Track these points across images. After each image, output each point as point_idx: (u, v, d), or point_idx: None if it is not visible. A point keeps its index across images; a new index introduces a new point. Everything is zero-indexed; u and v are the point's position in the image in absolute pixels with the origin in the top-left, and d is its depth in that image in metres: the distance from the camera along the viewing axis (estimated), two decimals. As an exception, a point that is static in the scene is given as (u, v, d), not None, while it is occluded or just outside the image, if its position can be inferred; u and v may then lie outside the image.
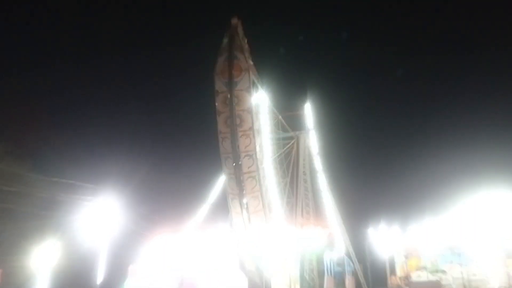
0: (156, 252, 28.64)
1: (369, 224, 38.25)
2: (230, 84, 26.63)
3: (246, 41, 28.21)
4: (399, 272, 35.89)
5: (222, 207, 31.86)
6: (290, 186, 41.01)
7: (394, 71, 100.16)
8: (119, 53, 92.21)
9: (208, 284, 25.98)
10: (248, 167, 27.36)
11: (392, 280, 35.61)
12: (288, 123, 41.75)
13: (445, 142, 79.25)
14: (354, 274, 42.76)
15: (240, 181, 27.34)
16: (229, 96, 26.70)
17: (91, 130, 69.79)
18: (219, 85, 27.03)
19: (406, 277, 33.76)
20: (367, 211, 47.70)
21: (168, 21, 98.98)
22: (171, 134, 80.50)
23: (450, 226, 32.68)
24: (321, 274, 35.32)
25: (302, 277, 32.05)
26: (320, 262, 35.72)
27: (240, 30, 27.84)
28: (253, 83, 28.33)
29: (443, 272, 32.33)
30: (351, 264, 42.30)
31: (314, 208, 44.72)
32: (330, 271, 36.10)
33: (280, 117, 38.81)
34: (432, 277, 31.58)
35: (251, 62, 27.91)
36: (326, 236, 33.24)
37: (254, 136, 27.42)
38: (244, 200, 27.84)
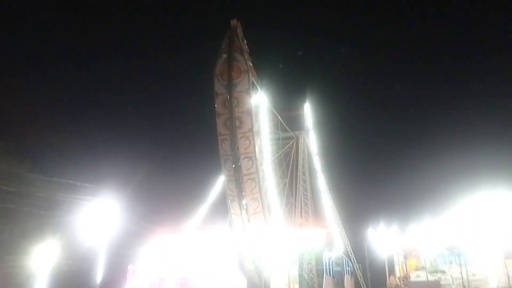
0: (155, 252, 28.71)
1: (368, 224, 38.28)
2: (230, 86, 26.55)
3: (245, 42, 28.14)
4: (398, 272, 35.89)
5: (222, 207, 31.93)
6: (289, 186, 41.07)
7: (394, 72, 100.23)
8: (119, 53, 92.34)
9: (207, 284, 26.04)
10: (248, 169, 27.35)
11: (391, 280, 35.62)
12: (288, 123, 41.80)
13: (445, 142, 79.38)
14: (353, 273, 42.88)
15: (240, 183, 27.35)
16: (228, 98, 26.62)
17: (91, 131, 69.86)
18: (219, 87, 26.94)
19: (405, 277, 33.76)
20: (367, 211, 47.83)
21: (168, 22, 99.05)
22: (170, 134, 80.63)
23: (449, 226, 32.64)
24: (320, 274, 35.34)
25: (301, 277, 32.06)
26: (319, 261, 35.75)
27: (239, 31, 27.74)
28: (253, 84, 28.28)
29: (442, 272, 32.34)
30: (350, 263, 42.41)
31: (313, 208, 44.81)
32: (329, 271, 36.16)
33: (279, 117, 38.82)
34: (431, 277, 31.58)
35: (250, 64, 27.82)
36: (325, 235, 33.24)
37: (253, 138, 27.36)
38: (244, 202, 27.83)
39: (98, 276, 23.70)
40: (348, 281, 40.34)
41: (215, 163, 29.83)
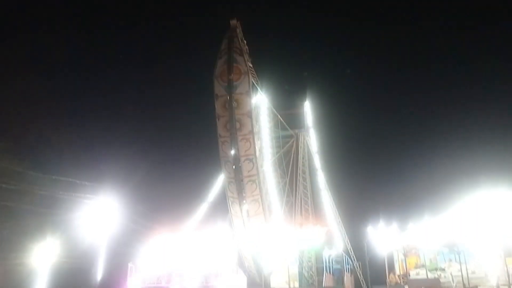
0: (155, 250, 28.79)
1: (368, 222, 38.25)
2: (230, 87, 26.15)
3: (245, 42, 27.84)
4: (398, 270, 35.92)
5: (222, 206, 31.95)
6: (289, 184, 41.08)
7: (394, 70, 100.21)
8: (119, 53, 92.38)
9: (208, 282, 26.11)
10: (248, 171, 27.11)
11: (390, 278, 35.62)
12: (288, 121, 41.77)
13: (445, 141, 79.26)
14: (353, 271, 42.95)
15: (240, 185, 27.18)
16: (228, 100, 26.29)
17: (91, 129, 69.86)
18: (219, 88, 26.51)
19: (405, 275, 33.77)
20: (366, 209, 47.72)
21: (168, 23, 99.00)
22: (170, 133, 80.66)
23: (449, 224, 32.61)
24: (320, 272, 35.36)
25: (301, 274, 32.14)
26: (319, 259, 35.77)
27: (239, 32, 27.34)
28: (252, 85, 28.04)
29: (442, 270, 32.33)
30: (350, 261, 42.48)
31: (313, 207, 44.86)
32: (329, 269, 36.22)
33: (279, 116, 38.79)
34: (431, 275, 31.60)
35: (250, 65, 27.46)
36: (325, 233, 33.25)
37: (254, 140, 27.06)
38: (244, 204, 27.74)
39: (98, 274, 23.80)
40: (348, 278, 40.42)
41: (215, 162, 29.78)
